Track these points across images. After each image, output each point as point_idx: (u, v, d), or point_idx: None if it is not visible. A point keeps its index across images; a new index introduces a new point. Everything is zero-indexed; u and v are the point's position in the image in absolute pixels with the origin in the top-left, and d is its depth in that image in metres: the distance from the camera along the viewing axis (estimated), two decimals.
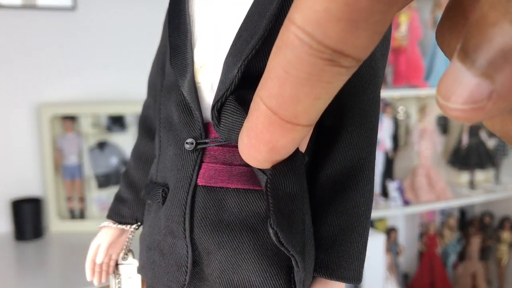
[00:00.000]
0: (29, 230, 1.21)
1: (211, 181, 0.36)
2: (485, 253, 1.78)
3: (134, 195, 0.48)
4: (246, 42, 0.35)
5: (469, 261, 1.76)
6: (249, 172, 0.36)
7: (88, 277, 0.47)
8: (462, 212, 1.88)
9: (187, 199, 0.37)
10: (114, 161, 1.35)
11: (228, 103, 0.35)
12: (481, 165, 1.67)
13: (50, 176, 1.26)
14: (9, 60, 1.26)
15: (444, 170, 1.73)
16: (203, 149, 0.37)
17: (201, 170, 0.37)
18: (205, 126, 0.38)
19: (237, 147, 0.37)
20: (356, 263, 0.37)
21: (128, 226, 0.48)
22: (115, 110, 1.32)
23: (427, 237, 1.73)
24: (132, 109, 1.33)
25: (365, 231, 0.37)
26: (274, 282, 0.35)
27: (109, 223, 0.48)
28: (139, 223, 0.48)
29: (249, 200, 0.36)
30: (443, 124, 1.75)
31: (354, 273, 0.37)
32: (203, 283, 0.38)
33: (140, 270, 0.44)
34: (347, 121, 0.37)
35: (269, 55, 0.37)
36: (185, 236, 0.37)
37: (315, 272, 0.37)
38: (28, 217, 1.22)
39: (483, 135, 1.67)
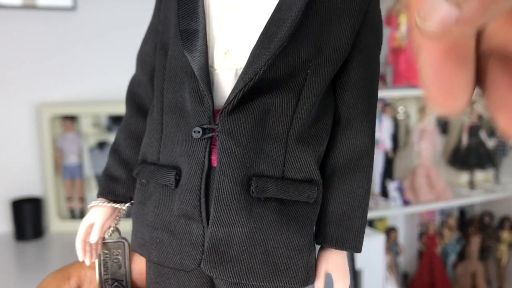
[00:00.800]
0: (29, 230, 1.22)
1: None
2: (484, 253, 1.78)
3: (127, 174, 0.47)
4: (273, 36, 0.36)
5: (468, 261, 1.76)
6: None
7: (80, 257, 0.46)
8: (462, 212, 1.88)
9: (201, 184, 0.38)
10: None
11: (245, 96, 0.37)
12: (481, 165, 1.67)
13: (50, 176, 1.26)
14: (9, 60, 1.26)
15: (444, 170, 1.74)
16: (212, 137, 0.38)
17: (213, 155, 0.38)
18: (215, 114, 0.38)
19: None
20: (361, 235, 0.42)
21: (121, 204, 0.47)
22: (115, 110, 1.32)
23: (427, 237, 1.73)
24: None
25: (367, 207, 0.43)
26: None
27: (101, 202, 0.47)
28: (132, 202, 0.47)
29: None
30: (443, 124, 1.75)
31: (358, 244, 0.42)
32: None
33: (138, 248, 0.44)
34: (359, 111, 0.41)
35: (294, 54, 0.36)
36: (201, 219, 0.39)
37: (326, 243, 0.42)
38: (28, 217, 1.22)
39: (483, 135, 1.68)
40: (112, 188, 0.47)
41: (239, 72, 0.38)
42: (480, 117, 1.68)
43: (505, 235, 1.74)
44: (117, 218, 0.48)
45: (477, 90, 0.19)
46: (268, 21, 0.37)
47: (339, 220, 0.41)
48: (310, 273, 0.41)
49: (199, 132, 0.38)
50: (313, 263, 0.41)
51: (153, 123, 0.44)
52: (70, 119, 1.29)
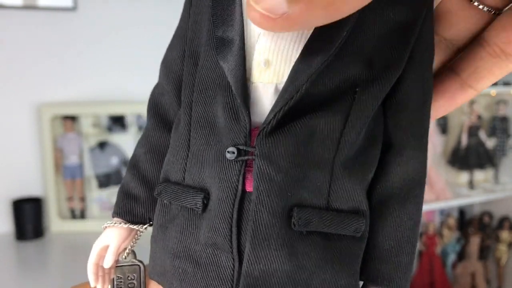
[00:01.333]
0: (30, 230, 1.22)
1: None
2: (484, 252, 1.79)
3: (147, 192, 0.43)
4: (318, 50, 0.33)
5: (468, 261, 1.77)
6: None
7: (92, 283, 0.42)
8: (462, 212, 1.88)
9: (233, 211, 0.34)
10: (114, 161, 1.35)
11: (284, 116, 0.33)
12: (481, 165, 1.67)
13: (50, 176, 1.26)
14: (9, 60, 1.26)
15: (443, 170, 1.74)
16: (247, 161, 0.34)
17: (247, 179, 0.34)
18: (251, 134, 0.34)
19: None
20: (408, 273, 0.38)
21: (140, 226, 0.43)
22: (115, 110, 1.32)
23: (427, 237, 1.74)
24: (132, 109, 1.33)
25: (416, 242, 0.38)
26: None
27: (116, 223, 0.42)
28: (151, 223, 0.43)
29: None
30: (443, 124, 1.75)
31: (406, 283, 0.38)
32: None
33: (157, 276, 0.40)
34: (412, 135, 0.37)
35: (341, 70, 0.33)
36: (232, 250, 0.34)
37: (371, 282, 0.38)
38: (28, 217, 1.22)
39: (482, 135, 1.68)
40: (130, 207, 0.43)
41: (280, 87, 0.34)
42: (479, 117, 1.69)
43: (504, 235, 1.75)
44: (134, 240, 0.43)
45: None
46: (313, 32, 0.33)
47: (386, 256, 0.37)
48: None
49: (233, 153, 0.34)
50: None
51: (179, 139, 0.39)
52: (71, 119, 1.29)
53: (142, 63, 1.33)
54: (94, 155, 1.34)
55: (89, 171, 1.35)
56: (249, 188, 0.34)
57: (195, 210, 0.37)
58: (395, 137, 0.37)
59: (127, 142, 1.36)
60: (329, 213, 0.34)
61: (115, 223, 0.42)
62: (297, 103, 0.33)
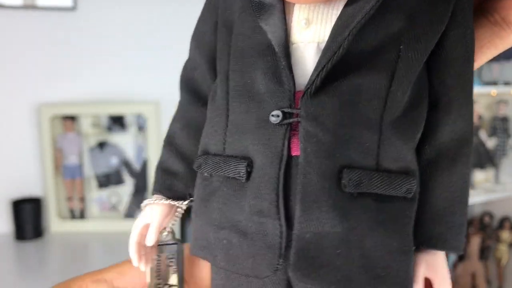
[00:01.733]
0: (29, 230, 1.22)
1: None
2: (484, 253, 1.79)
3: (185, 167, 0.42)
4: (360, 5, 0.32)
5: (468, 261, 1.76)
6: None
7: (135, 262, 0.41)
8: None
9: (279, 176, 0.33)
10: (114, 161, 1.35)
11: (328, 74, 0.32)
12: (481, 165, 1.67)
13: (50, 176, 1.26)
14: (9, 60, 1.26)
15: None
16: (291, 123, 0.33)
17: (293, 142, 0.34)
18: (295, 96, 0.34)
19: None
20: (462, 234, 0.37)
21: (180, 202, 0.42)
22: (115, 110, 1.32)
23: None
24: (132, 109, 1.33)
25: (468, 201, 0.37)
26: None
27: (157, 199, 0.41)
28: (191, 199, 0.42)
29: None
30: None
31: (460, 244, 0.37)
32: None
33: (200, 250, 0.39)
34: (458, 92, 0.36)
35: (384, 26, 0.32)
36: (279, 217, 0.34)
37: (424, 244, 0.37)
38: (28, 217, 1.22)
39: (483, 135, 1.68)
40: (169, 183, 0.42)
41: (321, 46, 0.33)
42: (480, 117, 1.69)
43: (505, 235, 1.74)
44: (174, 217, 0.43)
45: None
46: None
47: (438, 218, 0.36)
48: (411, 278, 0.36)
49: (278, 116, 0.33)
50: (413, 266, 0.36)
51: (216, 110, 0.38)
52: (70, 119, 1.29)
53: (142, 63, 1.33)
54: (93, 155, 1.34)
55: (89, 171, 1.35)
56: (295, 151, 0.34)
57: (238, 179, 0.36)
58: (441, 96, 0.36)
59: (127, 142, 1.36)
60: (379, 174, 0.33)
61: (155, 200, 0.42)
62: (340, 61, 0.32)
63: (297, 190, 0.33)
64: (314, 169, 0.33)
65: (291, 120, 0.33)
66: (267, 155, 0.34)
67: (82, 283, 0.42)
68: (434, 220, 0.36)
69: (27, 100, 1.28)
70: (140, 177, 1.37)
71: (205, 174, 0.39)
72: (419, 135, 0.36)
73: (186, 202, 0.42)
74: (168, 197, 0.42)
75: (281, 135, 0.33)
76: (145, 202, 0.42)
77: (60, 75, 1.30)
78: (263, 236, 0.34)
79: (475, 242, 1.76)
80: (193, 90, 0.43)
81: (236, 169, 0.36)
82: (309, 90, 0.32)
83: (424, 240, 0.36)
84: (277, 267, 0.34)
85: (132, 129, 1.37)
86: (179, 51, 1.46)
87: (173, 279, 0.42)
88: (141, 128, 1.36)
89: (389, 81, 0.33)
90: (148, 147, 1.33)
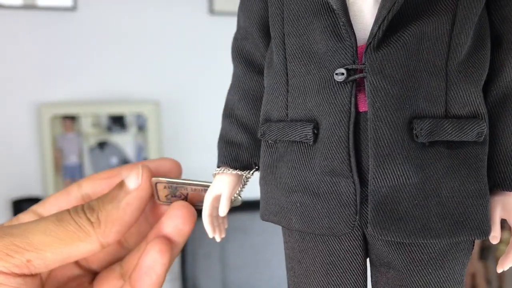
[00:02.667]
0: None
1: None
2: (484, 252, 1.79)
3: (249, 137, 0.42)
4: None
5: (469, 261, 1.76)
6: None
7: (210, 233, 0.42)
8: None
9: (349, 134, 0.33)
10: (114, 161, 1.35)
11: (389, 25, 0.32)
12: None
13: (50, 176, 1.26)
14: (9, 60, 1.26)
15: None
16: (356, 80, 0.33)
17: (359, 98, 0.34)
18: (358, 52, 0.33)
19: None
20: None
21: (247, 171, 0.42)
22: (115, 110, 1.32)
23: None
24: (132, 109, 1.33)
25: None
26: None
27: (226, 169, 0.42)
28: (257, 167, 0.42)
29: None
30: None
31: None
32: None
33: (273, 216, 0.39)
34: None
35: None
36: (352, 175, 0.34)
37: (499, 186, 0.37)
38: None
39: None
40: (235, 154, 0.42)
41: None
42: None
43: (505, 235, 1.74)
44: (241, 186, 0.43)
45: None
46: None
47: (511, 158, 0.36)
48: (489, 221, 0.36)
49: (342, 74, 0.33)
50: (489, 209, 0.36)
51: (275, 76, 0.38)
52: (70, 119, 1.29)
53: (142, 63, 1.33)
54: (93, 155, 1.34)
55: (89, 171, 1.35)
56: (362, 107, 0.34)
57: (305, 143, 0.36)
58: (504, 34, 0.36)
59: (127, 142, 1.36)
60: (449, 121, 0.33)
61: (224, 169, 0.42)
62: (400, 10, 0.32)
63: (369, 146, 0.33)
64: (384, 123, 0.32)
65: (356, 76, 0.33)
66: (334, 114, 0.34)
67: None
68: (506, 162, 0.36)
69: (26, 100, 1.28)
70: None
71: (270, 142, 0.39)
72: (484, 77, 0.35)
73: (252, 171, 0.42)
74: (235, 168, 0.42)
75: (347, 93, 0.33)
76: (214, 171, 0.42)
77: (60, 75, 1.30)
78: (337, 195, 0.35)
79: (475, 242, 1.76)
80: (246, 60, 0.43)
81: (302, 133, 0.35)
82: (371, 44, 0.32)
83: (499, 182, 0.36)
84: (354, 224, 0.34)
85: (132, 129, 1.37)
86: (179, 51, 1.46)
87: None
88: (141, 128, 1.36)
89: (451, 25, 0.33)
90: (148, 147, 1.33)
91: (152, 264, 0.35)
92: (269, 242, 1.42)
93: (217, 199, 0.42)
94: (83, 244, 0.32)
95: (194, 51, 1.38)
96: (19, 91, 1.27)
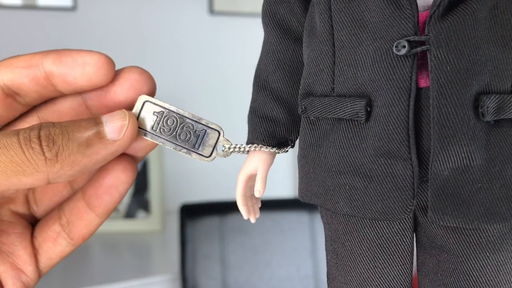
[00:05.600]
0: None
1: None
2: None
3: (286, 112, 0.39)
4: None
5: None
6: None
7: (245, 215, 0.39)
8: None
9: (408, 112, 0.30)
10: None
11: None
12: None
13: None
14: None
15: None
16: (417, 53, 0.30)
17: (420, 73, 0.31)
18: (419, 22, 0.30)
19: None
20: None
21: (282, 149, 0.39)
22: None
23: None
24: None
25: None
26: None
27: (262, 147, 0.38)
28: (292, 145, 0.40)
29: None
30: None
31: None
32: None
33: (315, 197, 0.36)
34: None
35: None
36: (410, 157, 0.31)
37: None
38: None
39: None
40: (272, 130, 0.39)
41: None
42: None
43: None
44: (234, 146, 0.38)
45: None
46: None
47: None
48: None
49: (404, 46, 0.29)
50: None
51: (319, 46, 0.35)
52: None
53: (141, 63, 1.33)
54: None
55: None
56: (423, 83, 0.31)
57: (355, 120, 0.33)
58: None
59: None
60: None
61: (260, 147, 0.39)
62: None
63: (431, 125, 0.30)
64: (449, 100, 0.30)
65: (419, 49, 0.29)
66: (392, 90, 0.30)
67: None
68: None
69: None
70: (140, 177, 1.37)
71: (312, 118, 0.36)
72: None
73: (288, 148, 0.40)
74: (271, 145, 0.39)
75: (408, 67, 0.30)
76: (246, 148, 0.38)
77: None
78: (392, 178, 0.32)
79: None
80: (281, 26, 0.39)
81: (352, 110, 0.32)
82: (435, 13, 0.29)
83: None
84: (411, 209, 0.32)
85: None
86: (179, 51, 1.47)
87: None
88: None
89: None
90: None
91: (116, 183, 0.29)
92: (269, 242, 1.42)
93: (251, 177, 0.39)
94: (26, 179, 0.25)
95: (194, 51, 1.38)
96: None
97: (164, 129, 0.30)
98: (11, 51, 1.26)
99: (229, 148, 0.35)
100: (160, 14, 1.35)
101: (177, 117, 0.30)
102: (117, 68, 0.31)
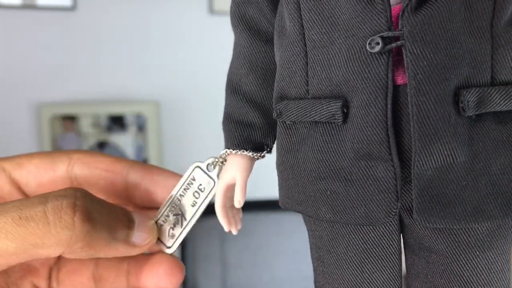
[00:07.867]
0: None
1: None
2: None
3: (262, 116, 0.38)
4: None
5: None
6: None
7: (226, 227, 0.38)
8: None
9: (386, 112, 0.29)
10: None
11: None
12: None
13: None
14: (8, 60, 1.26)
15: None
16: (392, 49, 0.29)
17: (396, 70, 0.30)
18: (392, 16, 0.29)
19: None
20: None
21: (259, 153, 0.38)
22: (115, 110, 1.32)
23: None
24: (132, 109, 1.33)
25: None
26: None
27: (236, 152, 0.37)
28: (268, 149, 0.39)
29: None
30: None
31: None
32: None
33: (297, 205, 0.35)
34: None
35: None
36: (391, 158, 0.30)
37: None
38: None
39: None
40: (247, 135, 0.38)
41: None
42: None
43: None
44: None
45: None
46: None
47: None
48: None
49: (378, 43, 0.28)
50: None
51: (290, 47, 0.34)
52: (70, 119, 1.29)
53: (141, 63, 1.33)
54: None
55: None
56: (401, 80, 0.30)
57: (332, 123, 0.32)
58: None
59: (126, 142, 1.36)
60: (496, 88, 0.30)
61: (237, 151, 0.37)
62: None
63: (411, 124, 0.29)
64: (428, 97, 0.28)
65: (393, 45, 0.28)
66: (368, 90, 0.29)
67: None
68: None
69: (27, 100, 1.28)
70: None
71: (288, 123, 0.35)
72: None
73: (263, 153, 0.38)
74: (249, 149, 0.37)
75: (384, 65, 0.29)
76: (222, 152, 0.38)
77: (60, 75, 1.30)
78: (374, 181, 0.31)
79: None
80: (251, 27, 0.38)
81: (328, 112, 0.31)
82: (409, 6, 0.28)
83: None
84: (395, 212, 0.30)
85: (132, 129, 1.37)
86: (179, 51, 1.46)
87: (185, 210, 0.36)
88: (141, 128, 1.36)
89: None
90: (148, 147, 1.33)
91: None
92: (269, 243, 1.41)
93: (230, 188, 0.37)
94: (43, 251, 0.24)
95: (194, 51, 1.37)
96: (18, 91, 1.27)
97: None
98: (10, 51, 1.25)
99: (213, 164, 0.36)
100: (160, 14, 1.35)
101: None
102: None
